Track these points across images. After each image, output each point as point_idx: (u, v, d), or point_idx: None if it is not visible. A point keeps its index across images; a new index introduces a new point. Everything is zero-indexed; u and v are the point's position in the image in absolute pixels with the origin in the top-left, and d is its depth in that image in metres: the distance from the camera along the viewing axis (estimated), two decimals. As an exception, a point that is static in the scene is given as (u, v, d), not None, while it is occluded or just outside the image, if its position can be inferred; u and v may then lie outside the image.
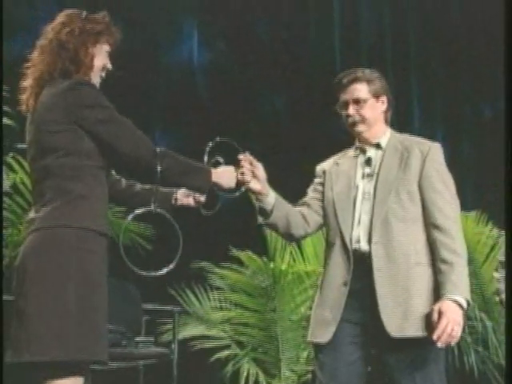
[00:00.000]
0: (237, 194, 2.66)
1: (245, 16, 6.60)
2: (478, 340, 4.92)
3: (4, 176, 4.44)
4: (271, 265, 4.98)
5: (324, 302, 2.69)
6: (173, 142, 6.40)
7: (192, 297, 5.15)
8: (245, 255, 4.99)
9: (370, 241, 2.62)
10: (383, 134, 2.80)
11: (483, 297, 4.94)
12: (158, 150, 2.39)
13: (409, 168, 2.68)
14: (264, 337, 5.02)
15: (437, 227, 2.62)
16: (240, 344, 5.04)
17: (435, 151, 2.73)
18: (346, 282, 2.62)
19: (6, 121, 4.34)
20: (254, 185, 2.70)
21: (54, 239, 2.30)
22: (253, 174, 2.69)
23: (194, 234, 5.91)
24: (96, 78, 2.49)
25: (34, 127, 2.41)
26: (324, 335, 2.64)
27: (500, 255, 3.55)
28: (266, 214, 2.77)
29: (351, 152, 2.84)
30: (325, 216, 2.80)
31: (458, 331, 2.51)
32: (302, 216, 2.81)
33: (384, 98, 2.81)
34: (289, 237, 2.86)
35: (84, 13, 2.51)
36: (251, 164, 2.69)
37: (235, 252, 5.00)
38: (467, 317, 4.93)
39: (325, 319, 2.66)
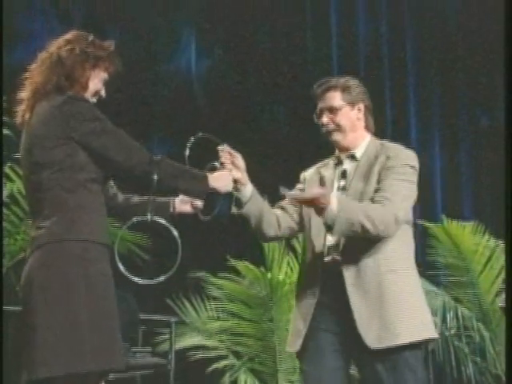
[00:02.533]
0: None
1: (243, 25, 6.61)
2: (475, 351, 4.91)
3: (1, 186, 4.45)
4: (268, 275, 4.98)
5: (297, 311, 2.70)
6: (172, 149, 6.40)
7: (189, 307, 5.14)
8: (242, 265, 4.99)
9: (340, 252, 2.60)
10: (362, 141, 2.75)
11: (480, 307, 4.94)
12: (154, 157, 2.40)
13: (371, 176, 2.65)
14: (261, 347, 5.01)
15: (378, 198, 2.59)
16: (237, 354, 5.03)
17: (402, 156, 2.66)
18: (315, 292, 2.62)
19: (3, 130, 4.35)
20: (235, 174, 2.67)
21: (58, 254, 2.31)
22: (233, 163, 2.66)
23: (191, 244, 5.91)
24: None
25: (29, 141, 2.41)
26: (295, 344, 2.65)
27: None
28: (240, 204, 2.73)
29: (331, 161, 2.82)
30: (301, 224, 2.78)
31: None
32: (276, 217, 2.77)
33: (361, 105, 2.76)
34: (260, 235, 2.79)
35: (91, 36, 2.51)
36: (230, 154, 2.67)
37: (232, 262, 4.99)
38: (464, 327, 4.93)
39: (297, 328, 2.67)
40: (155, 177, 2.37)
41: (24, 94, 2.46)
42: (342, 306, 2.57)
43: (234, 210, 2.75)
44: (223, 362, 4.93)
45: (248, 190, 2.73)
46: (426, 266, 4.91)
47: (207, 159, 2.66)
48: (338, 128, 2.73)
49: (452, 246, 5.01)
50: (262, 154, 6.28)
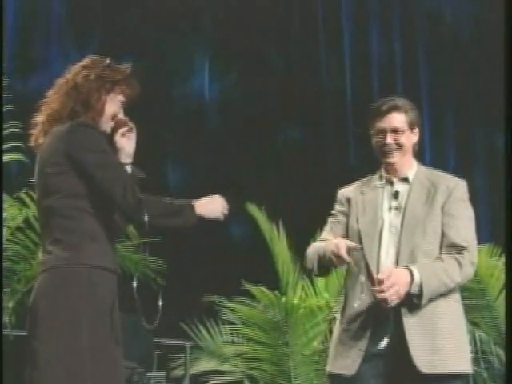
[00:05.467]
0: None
1: (256, 48, 6.65)
2: (494, 375, 4.85)
3: (17, 211, 4.48)
4: (283, 299, 4.95)
5: (344, 333, 2.67)
6: (185, 173, 6.42)
7: (204, 331, 5.12)
8: (256, 289, 4.96)
9: None
10: (411, 166, 2.79)
11: (498, 331, 4.88)
12: (141, 198, 2.38)
13: (435, 204, 2.69)
14: (276, 371, 4.97)
15: (454, 246, 2.64)
16: (252, 379, 5.00)
17: (461, 188, 2.74)
18: (369, 312, 2.61)
19: (18, 156, 4.39)
20: None
21: (62, 279, 2.32)
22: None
23: (205, 268, 5.93)
24: (105, 125, 2.49)
25: (39, 167, 2.45)
26: (349, 367, 2.62)
27: None
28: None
29: (375, 181, 2.81)
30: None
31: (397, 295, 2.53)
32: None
33: (417, 130, 2.81)
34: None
35: (108, 60, 2.52)
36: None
37: (247, 286, 4.98)
38: (482, 351, 4.87)
39: (348, 350, 2.63)
40: (146, 218, 2.36)
41: (39, 118, 2.48)
42: (392, 327, 2.58)
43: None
44: (238, 387, 4.90)
45: None
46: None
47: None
48: (399, 149, 2.74)
49: (468, 268, 4.96)
50: (276, 177, 6.29)
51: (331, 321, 4.96)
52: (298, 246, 5.06)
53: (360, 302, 2.64)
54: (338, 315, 2.77)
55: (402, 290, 2.53)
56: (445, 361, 2.55)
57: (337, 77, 6.73)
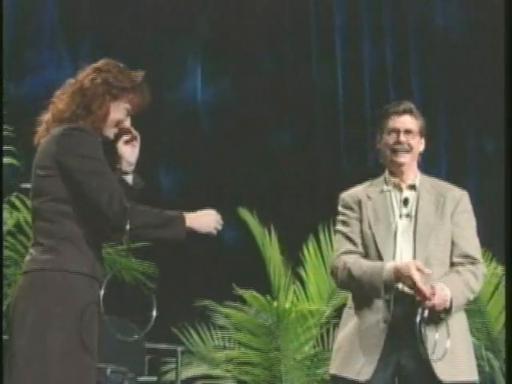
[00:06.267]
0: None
1: (249, 52, 6.65)
2: (485, 380, 4.86)
3: (7, 215, 4.47)
4: (275, 303, 4.95)
5: (360, 338, 2.67)
6: (178, 179, 6.41)
7: (195, 336, 5.11)
8: (248, 294, 4.96)
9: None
10: (416, 173, 2.84)
11: (489, 336, 4.90)
12: (127, 206, 2.32)
13: (445, 213, 2.75)
14: (268, 376, 4.97)
15: (467, 256, 2.72)
16: (244, 384, 5.00)
17: (465, 199, 2.82)
18: (387, 319, 2.63)
19: (10, 160, 4.39)
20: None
21: (39, 282, 2.31)
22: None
23: (197, 273, 5.91)
24: (108, 131, 2.45)
25: (33, 168, 2.43)
26: (362, 373, 2.63)
27: None
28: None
29: (381, 185, 2.83)
30: (366, 251, 2.77)
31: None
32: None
33: (423, 140, 2.86)
34: None
35: (121, 65, 2.48)
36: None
37: (239, 291, 4.97)
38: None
39: (361, 356, 2.64)
40: (127, 227, 2.29)
41: (45, 116, 2.46)
42: (410, 335, 2.60)
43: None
44: (230, 392, 4.89)
45: None
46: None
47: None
48: (410, 150, 2.79)
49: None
50: (268, 181, 6.29)
51: (323, 325, 4.97)
52: (290, 250, 5.08)
53: (374, 307, 2.67)
54: (350, 317, 2.78)
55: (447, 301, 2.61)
56: (460, 368, 2.62)
57: (329, 80, 6.74)
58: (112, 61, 2.49)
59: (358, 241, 2.77)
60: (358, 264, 2.71)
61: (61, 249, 2.32)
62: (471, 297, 2.71)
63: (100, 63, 2.47)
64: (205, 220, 2.44)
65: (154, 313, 2.38)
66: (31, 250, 2.36)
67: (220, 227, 2.47)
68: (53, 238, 2.33)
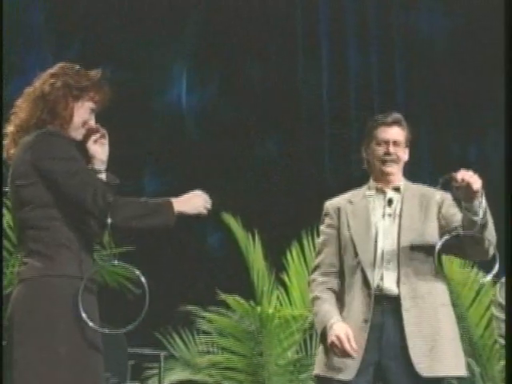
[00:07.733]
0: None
1: (234, 57, 6.68)
2: (464, 385, 4.89)
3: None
4: (258, 309, 4.96)
5: None
6: (163, 186, 6.42)
7: (179, 341, 5.12)
8: (232, 299, 4.97)
9: (397, 281, 2.70)
10: (401, 178, 2.91)
11: (470, 342, 4.92)
12: (111, 200, 2.32)
13: (429, 212, 2.79)
14: (251, 381, 4.98)
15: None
16: (227, 389, 5.00)
17: (450, 199, 2.84)
18: (367, 319, 2.67)
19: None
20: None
21: (38, 289, 2.32)
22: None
23: (180, 278, 5.92)
24: (75, 132, 2.46)
25: (10, 180, 2.42)
26: (346, 373, 2.67)
27: (500, 297, 3.56)
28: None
29: (364, 191, 2.89)
30: (341, 255, 2.82)
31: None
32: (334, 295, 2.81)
33: (407, 150, 2.93)
34: None
35: (77, 67, 2.49)
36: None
37: (222, 296, 4.98)
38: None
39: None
40: (109, 221, 2.29)
41: (9, 128, 2.45)
42: (392, 333, 2.66)
43: None
44: (213, 397, 4.89)
45: None
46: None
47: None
48: (398, 161, 2.86)
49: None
50: (254, 187, 6.31)
51: (306, 331, 4.98)
52: (274, 256, 5.10)
53: (356, 307, 2.71)
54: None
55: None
56: (444, 364, 2.65)
57: (315, 87, 6.78)
58: (67, 63, 2.51)
59: (332, 249, 2.83)
60: (319, 300, 2.81)
61: (55, 254, 2.33)
62: (493, 237, 2.67)
63: (56, 68, 2.48)
64: (193, 201, 2.43)
65: (147, 302, 2.40)
66: (25, 259, 2.35)
67: (209, 206, 2.45)
68: (46, 244, 2.33)
